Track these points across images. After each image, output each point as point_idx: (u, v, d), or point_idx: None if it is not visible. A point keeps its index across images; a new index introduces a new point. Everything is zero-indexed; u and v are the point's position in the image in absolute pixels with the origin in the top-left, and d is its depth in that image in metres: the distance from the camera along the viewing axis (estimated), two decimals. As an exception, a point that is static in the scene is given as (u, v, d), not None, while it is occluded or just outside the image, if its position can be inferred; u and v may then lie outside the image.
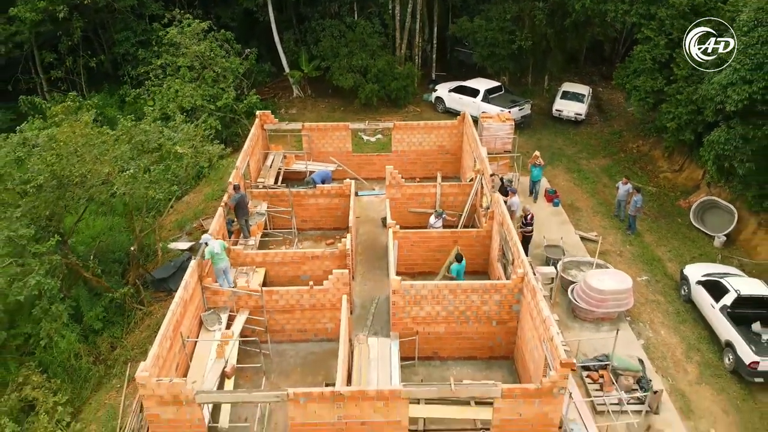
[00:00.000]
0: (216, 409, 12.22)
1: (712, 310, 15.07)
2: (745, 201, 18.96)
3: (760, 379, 13.66)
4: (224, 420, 11.76)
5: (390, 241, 15.38)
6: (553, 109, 27.69)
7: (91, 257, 16.37)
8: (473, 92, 27.17)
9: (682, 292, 16.58)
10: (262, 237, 17.86)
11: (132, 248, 16.28)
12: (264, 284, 14.91)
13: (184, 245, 18.95)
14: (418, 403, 11.66)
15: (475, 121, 22.00)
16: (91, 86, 29.58)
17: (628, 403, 12.73)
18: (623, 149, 25.40)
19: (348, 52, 28.59)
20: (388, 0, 30.38)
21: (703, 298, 15.50)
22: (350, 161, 22.11)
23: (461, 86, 27.89)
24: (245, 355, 13.89)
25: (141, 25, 29.08)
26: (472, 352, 14.05)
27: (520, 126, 25.80)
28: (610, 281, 15.04)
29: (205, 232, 17.55)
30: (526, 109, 26.99)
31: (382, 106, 29.09)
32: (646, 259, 18.27)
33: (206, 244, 13.73)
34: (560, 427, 11.36)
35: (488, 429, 11.10)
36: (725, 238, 18.84)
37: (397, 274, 14.28)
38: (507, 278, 14.03)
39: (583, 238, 19.00)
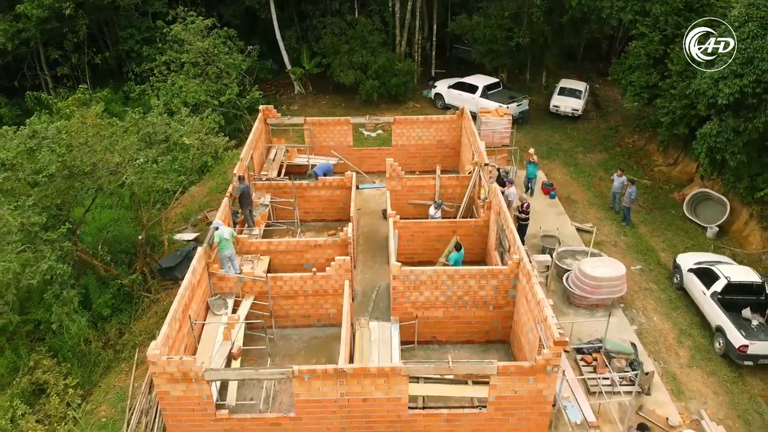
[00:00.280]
0: (223, 389, 12.67)
1: (703, 296, 15.52)
2: (737, 193, 19.40)
3: (750, 363, 14.09)
4: (231, 398, 12.20)
5: (390, 230, 15.83)
6: (551, 105, 28.15)
7: (99, 246, 16.80)
8: (472, 88, 27.62)
9: (675, 280, 17.03)
10: (265, 227, 18.32)
11: (140, 237, 16.72)
12: (268, 271, 15.35)
13: (189, 236, 19.40)
14: (418, 381, 12.14)
15: (474, 116, 22.46)
16: (95, 83, 30.03)
17: (620, 384, 13.17)
18: (619, 144, 25.86)
19: (349, 49, 29.05)
20: (387, -2, 30.91)
21: (694, 285, 15.95)
22: (351, 155, 22.56)
23: (460, 83, 28.34)
24: (250, 340, 14.33)
25: (145, 22, 29.56)
26: (469, 336, 14.50)
27: (518, 121, 26.25)
28: (604, 268, 15.50)
29: (210, 223, 18.08)
30: (524, 104, 27.46)
31: (383, 103, 29.55)
32: (640, 249, 18.72)
33: (216, 228, 14.17)
34: (554, 405, 11.84)
35: (485, 406, 11.55)
36: (718, 229, 19.30)
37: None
38: (504, 265, 14.47)
39: (578, 229, 19.44)
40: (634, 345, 14.27)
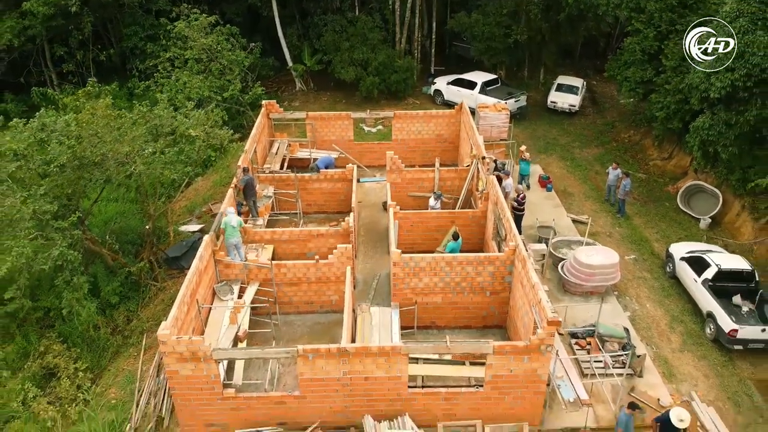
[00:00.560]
0: (229, 371, 13.11)
1: (694, 283, 15.98)
2: (730, 185, 19.86)
3: (739, 347, 14.53)
4: (237, 378, 12.65)
5: (391, 220, 16.29)
6: (548, 101, 28.61)
7: (107, 236, 17.24)
8: (471, 85, 28.07)
9: (668, 269, 17.48)
10: (269, 218, 18.75)
11: (147, 227, 17.16)
12: (272, 260, 15.77)
13: (194, 227, 19.85)
14: (417, 362, 12.60)
15: (473, 112, 22.90)
16: (99, 79, 29.92)
17: (613, 367, 13.62)
18: (615, 139, 26.31)
19: (349, 46, 29.50)
20: (388, -4, 31.36)
21: (686, 273, 16.40)
22: (352, 149, 23.01)
23: (459, 79, 28.80)
24: (255, 325, 14.75)
25: (148, 20, 29.99)
26: (467, 322, 14.96)
27: (516, 117, 26.70)
28: (598, 256, 15.96)
29: (214, 216, 18.55)
30: (522, 100, 27.91)
31: (383, 99, 29.99)
32: (634, 239, 19.18)
33: (226, 214, 14.63)
34: (548, 384, 12.28)
35: (482, 385, 11.99)
36: (710, 221, 19.75)
37: (397, 251, 15.18)
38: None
39: (574, 221, 19.90)
40: (626, 329, 14.73)
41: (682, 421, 11.13)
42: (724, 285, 15.49)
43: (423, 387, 12.34)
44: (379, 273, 17.19)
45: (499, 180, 18.10)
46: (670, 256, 17.40)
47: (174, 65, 25.60)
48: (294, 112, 23.13)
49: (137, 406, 13.29)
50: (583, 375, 13.51)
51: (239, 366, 13.03)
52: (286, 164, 21.48)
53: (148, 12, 30.38)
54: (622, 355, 13.78)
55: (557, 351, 12.23)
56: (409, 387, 11.97)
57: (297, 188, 19.03)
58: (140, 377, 14.20)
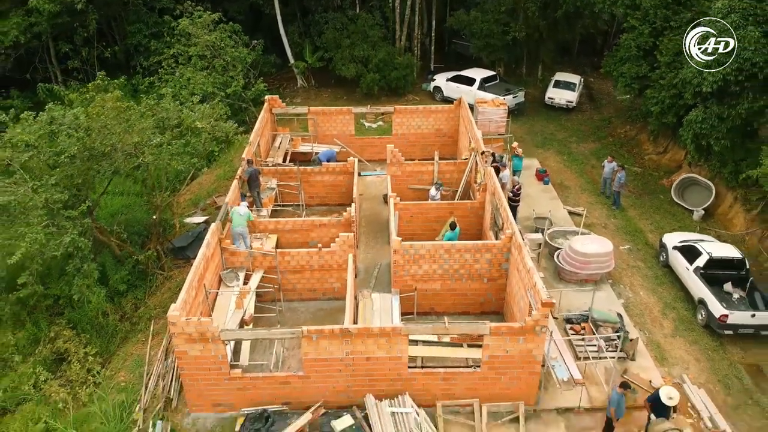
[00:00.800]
0: (235, 354, 13.56)
1: (686, 271, 16.43)
2: (723, 178, 20.32)
3: (730, 332, 14.99)
4: (244, 359, 13.11)
5: (391, 210, 16.75)
6: (546, 97, 29.09)
7: (115, 227, 17.69)
8: (469, 81, 28.54)
9: (661, 258, 17.94)
10: (272, 210, 19.21)
11: (153, 217, 17.60)
12: (276, 248, 16.23)
13: (199, 219, 20.31)
14: (417, 344, 13.05)
15: (472, 108, 23.35)
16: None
17: (606, 350, 14.07)
18: (611, 134, 26.77)
19: (350, 44, 29.96)
20: (388, -7, 31.83)
21: (679, 261, 16.86)
22: (353, 144, 23.46)
23: (458, 76, 29.28)
24: (260, 312, 15.21)
25: (152, 17, 30.44)
26: (465, 308, 15.40)
27: (514, 113, 27.16)
28: (592, 245, 16.42)
29: (218, 208, 19.00)
30: (520, 96, 28.38)
31: (383, 95, 30.43)
32: (628, 230, 19.64)
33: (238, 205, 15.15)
34: (543, 365, 12.73)
35: (479, 366, 12.44)
36: (703, 212, 20.21)
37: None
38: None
39: (570, 213, 20.35)
40: (620, 315, 15.17)
41: (671, 398, 11.58)
42: (715, 273, 15.95)
43: (422, 367, 12.78)
44: (380, 262, 17.63)
45: (497, 171, 18.54)
46: (663, 246, 17.85)
47: (178, 62, 26.06)
48: (296, 107, 23.62)
49: (146, 388, 13.73)
50: (577, 358, 13.95)
51: (245, 348, 13.48)
52: (288, 158, 21.94)
53: (151, 10, 30.83)
54: (615, 340, 14.22)
55: (551, 332, 12.67)
56: (409, 367, 12.42)
57: (300, 180, 19.48)
58: (148, 361, 14.63)
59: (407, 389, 12.46)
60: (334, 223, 16.83)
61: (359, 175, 20.42)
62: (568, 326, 14.91)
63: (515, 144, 22.19)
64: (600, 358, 13.93)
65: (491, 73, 29.34)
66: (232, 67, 26.51)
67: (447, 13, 34.40)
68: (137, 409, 13.17)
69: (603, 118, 28.28)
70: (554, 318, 14.75)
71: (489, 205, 17.11)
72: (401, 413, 11.93)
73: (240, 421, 12.07)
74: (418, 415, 11.99)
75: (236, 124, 18.21)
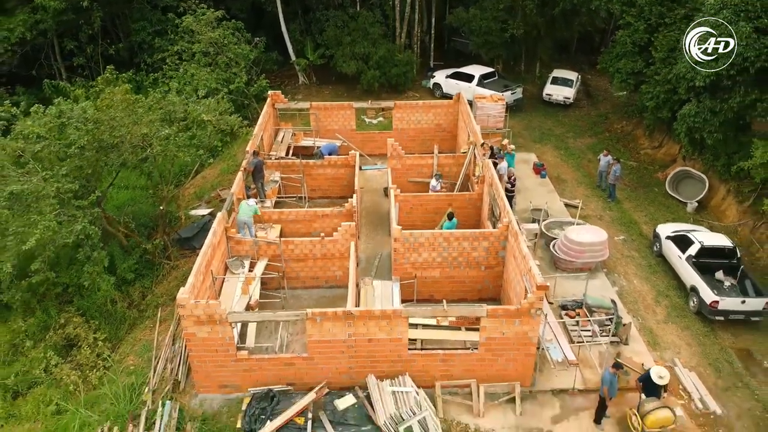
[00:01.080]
0: (242, 338, 14.01)
1: (679, 260, 16.89)
2: (716, 171, 20.77)
3: (721, 318, 15.43)
4: (250, 341, 13.57)
5: (392, 201, 17.22)
6: (544, 94, 29.54)
7: (122, 218, 18.17)
8: (468, 78, 28.98)
9: (655, 248, 18.40)
10: (276, 201, 19.67)
11: (161, 207, 18.05)
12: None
13: (203, 211, 20.76)
14: (416, 328, 13.51)
15: (471, 104, 23.80)
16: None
17: (600, 335, 14.52)
18: (608, 129, 27.23)
19: (351, 41, 30.40)
20: (388, -9, 32.27)
21: (672, 250, 17.32)
22: (354, 138, 23.90)
23: (457, 72, 29.71)
24: (265, 299, 15.63)
25: (156, 15, 30.90)
26: (463, 294, 15.85)
27: (513, 109, 27.60)
28: (587, 234, 16.88)
29: (222, 200, 19.45)
30: (518, 93, 28.83)
31: (383, 92, 30.86)
32: (623, 221, 20.10)
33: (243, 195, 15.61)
34: (538, 348, 13.19)
35: (476, 348, 12.89)
36: (697, 204, 20.67)
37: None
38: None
39: (567, 205, 20.80)
40: (613, 301, 15.62)
41: (661, 378, 12.04)
42: (707, 261, 16.40)
43: (422, 349, 13.23)
44: (381, 252, 18.08)
45: (495, 164, 18.97)
46: (656, 236, 18.31)
47: (182, 58, 26.51)
48: (298, 102, 24.05)
49: (154, 372, 14.18)
50: (571, 341, 14.39)
51: (251, 331, 13.95)
52: (290, 152, 22.38)
53: (155, 7, 31.29)
54: (608, 324, 14.67)
55: (546, 315, 13.12)
56: (408, 349, 12.87)
57: (302, 173, 19.93)
58: (156, 346, 15.07)
59: (407, 370, 12.91)
60: (336, 213, 17.27)
61: (360, 169, 20.87)
62: (563, 312, 15.35)
63: (505, 141, 22.61)
64: (594, 342, 14.38)
65: (490, 70, 29.78)
66: (235, 64, 26.96)
67: (446, 10, 34.87)
68: (146, 390, 13.61)
69: (600, 114, 28.75)
70: (549, 303, 15.20)
71: (487, 197, 17.56)
72: (402, 392, 12.38)
73: (246, 400, 12.51)
74: (417, 394, 12.43)
75: (241, 117, 18.65)
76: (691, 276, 16.25)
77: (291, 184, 20.37)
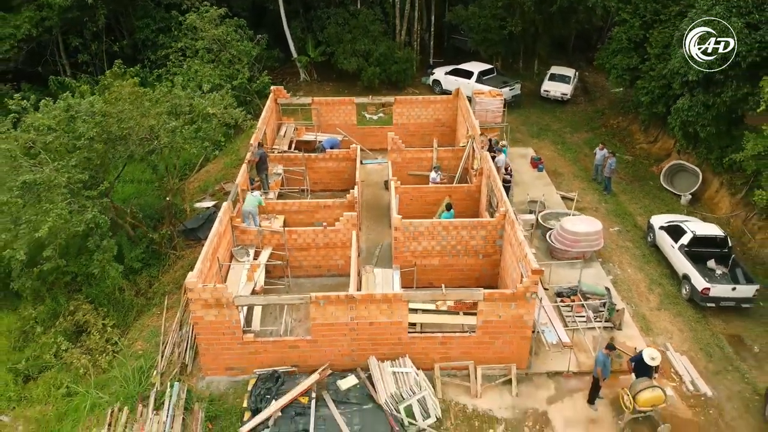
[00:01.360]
0: (247, 323, 14.45)
1: (672, 249, 17.34)
2: (709, 164, 21.23)
3: (712, 304, 15.87)
4: (255, 325, 14.02)
5: (392, 192, 17.67)
6: (541, 90, 30.02)
7: (129, 209, 18.61)
8: (468, 74, 29.46)
9: (649, 238, 18.85)
10: (278, 194, 20.11)
11: (167, 198, 18.49)
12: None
13: (208, 204, 21.21)
14: (416, 313, 13.97)
15: (470, 100, 24.22)
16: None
17: (594, 320, 14.97)
18: (604, 125, 27.69)
19: (351, 38, 30.87)
20: (388, -11, 32.75)
21: (665, 240, 17.77)
22: (355, 133, 24.36)
23: (457, 69, 30.21)
24: (269, 287, 16.08)
25: (159, 12, 31.34)
26: (461, 282, 16.28)
27: (511, 105, 28.06)
28: (582, 224, 17.34)
29: (227, 194, 19.90)
30: (517, 89, 29.30)
31: (384, 88, 31.32)
32: (618, 213, 20.56)
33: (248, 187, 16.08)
34: (534, 331, 13.64)
35: (474, 331, 13.34)
36: (691, 197, 21.12)
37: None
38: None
39: (563, 197, 21.26)
40: (607, 288, 16.08)
41: (653, 359, 12.48)
42: (698, 250, 16.84)
43: (422, 332, 13.68)
44: (382, 243, 18.53)
45: (493, 158, 19.42)
46: (650, 227, 18.77)
47: (185, 55, 26.94)
48: (301, 97, 24.48)
49: (162, 355, 14.61)
50: (566, 326, 14.83)
51: (257, 315, 14.40)
52: (293, 146, 22.81)
53: (158, 5, 31.72)
54: (602, 310, 15.13)
55: (541, 299, 13.57)
56: (408, 333, 13.32)
57: (305, 166, 20.38)
58: (164, 332, 15.51)
59: (407, 352, 13.36)
60: (338, 204, 17.71)
61: (361, 163, 21.31)
62: (559, 299, 15.80)
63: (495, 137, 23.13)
64: (588, 327, 14.83)
65: (489, 66, 30.25)
66: (237, 61, 27.40)
67: (446, 8, 35.33)
68: (154, 374, 14.05)
69: (596, 110, 29.21)
70: (545, 290, 15.66)
71: (485, 188, 18.01)
72: (402, 373, 12.83)
73: (252, 381, 12.96)
74: (417, 375, 12.88)
75: (245, 112, 19.10)
76: (683, 264, 16.69)
77: (293, 177, 20.82)
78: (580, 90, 31.26)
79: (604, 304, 15.28)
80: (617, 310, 15.17)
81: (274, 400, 12.25)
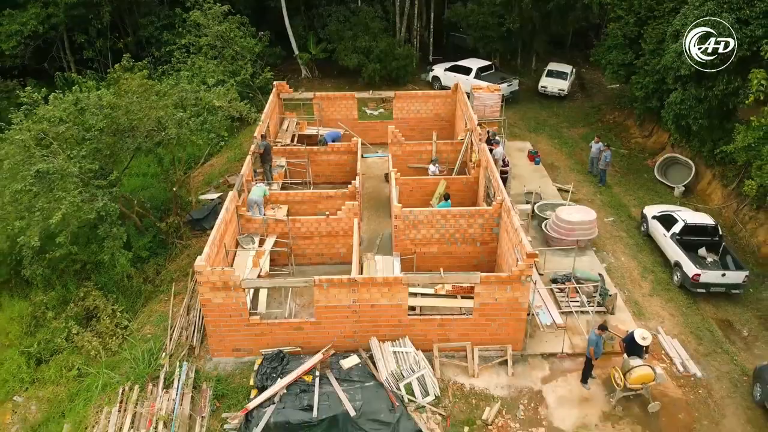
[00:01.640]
0: (253, 307, 14.96)
1: (664, 238, 17.86)
2: (702, 157, 21.75)
3: (702, 290, 16.38)
4: (261, 307, 14.54)
5: (392, 183, 18.18)
6: (539, 86, 30.55)
7: (136, 201, 19.12)
8: (466, 71, 29.98)
9: (642, 228, 19.36)
10: (281, 187, 20.63)
11: (174, 189, 19.01)
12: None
13: (213, 196, 21.75)
14: (416, 296, 14.49)
15: (469, 96, 24.79)
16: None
17: (588, 305, 15.49)
18: (601, 120, 28.21)
19: (352, 35, 31.39)
20: (388, -13, 33.28)
21: (657, 229, 18.29)
22: (356, 128, 24.87)
23: (456, 65, 30.75)
24: (273, 274, 16.60)
25: (163, 10, 31.85)
26: (460, 269, 16.58)
27: (509, 101, 28.58)
28: (577, 214, 17.87)
29: (230, 186, 20.41)
30: (515, 85, 29.83)
31: (384, 85, 31.79)
32: (613, 204, 21.08)
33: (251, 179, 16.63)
34: (529, 314, 14.15)
35: (471, 314, 13.85)
36: (684, 189, 21.63)
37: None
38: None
39: (559, 189, 21.78)
40: (600, 275, 16.60)
41: (644, 339, 13.00)
42: (690, 239, 17.35)
43: (421, 314, 14.20)
44: (382, 233, 19.04)
45: (490, 150, 19.94)
46: (644, 217, 19.28)
47: (189, 51, 27.45)
48: (303, 92, 25.00)
49: (170, 339, 15.13)
50: (561, 312, 15.34)
51: (262, 299, 14.91)
52: (295, 140, 23.33)
53: (162, 3, 32.24)
54: (595, 295, 15.65)
55: (535, 282, 14.08)
56: (408, 315, 13.83)
57: (307, 158, 20.89)
58: (171, 317, 16.02)
59: (407, 334, 13.88)
60: (340, 194, 18.22)
61: (362, 156, 21.81)
62: (554, 285, 16.31)
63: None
64: (582, 311, 15.35)
65: (487, 63, 30.78)
66: (240, 57, 27.91)
67: (445, 6, 35.86)
68: (163, 355, 14.57)
69: (593, 106, 29.73)
70: (540, 275, 16.18)
71: (483, 179, 18.52)
72: (402, 352, 13.35)
73: (258, 361, 13.47)
74: (417, 355, 13.39)
75: (249, 104, 19.61)
76: (675, 252, 17.20)
77: (296, 169, 21.32)
78: (577, 86, 31.78)
79: (596, 288, 15.79)
80: (610, 295, 15.69)
81: (279, 379, 12.75)
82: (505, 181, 19.97)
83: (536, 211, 19.17)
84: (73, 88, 18.04)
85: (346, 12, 32.41)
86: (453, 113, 24.70)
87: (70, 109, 16.99)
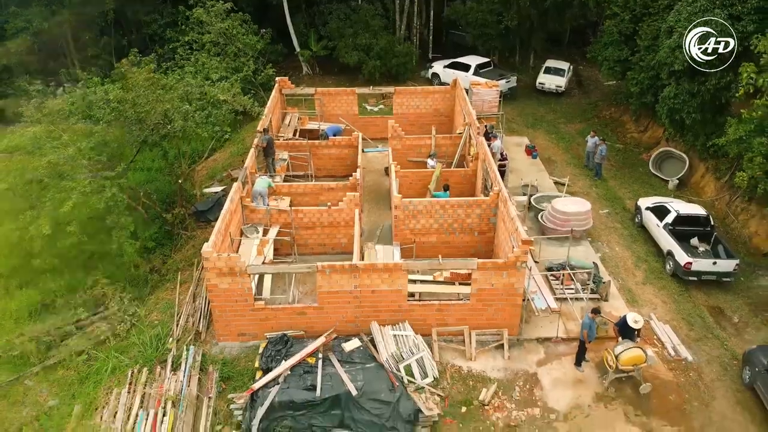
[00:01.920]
0: (258, 293, 15.41)
1: (657, 228, 18.32)
2: (696, 150, 22.22)
3: (694, 278, 16.84)
4: (266, 293, 15.01)
5: (392, 175, 18.65)
6: (537, 83, 31.01)
7: (142, 194, 19.59)
8: (465, 67, 30.45)
9: (636, 220, 19.83)
10: (284, 180, 21.09)
11: (180, 181, 19.48)
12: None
13: (216, 189, 22.20)
14: (415, 283, 14.95)
15: (467, 92, 25.20)
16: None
17: (582, 292, 15.96)
18: (597, 116, 28.69)
19: (353, 33, 31.87)
20: (388, -15, 33.74)
21: (651, 220, 18.76)
22: (356, 123, 25.33)
23: (455, 62, 31.20)
24: (277, 262, 17.07)
25: (167, 8, 32.33)
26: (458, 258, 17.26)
27: (507, 97, 29.04)
28: (572, 205, 18.34)
29: (234, 180, 20.87)
30: (513, 81, 30.30)
31: (384, 82, 32.19)
32: (608, 197, 21.55)
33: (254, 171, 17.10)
34: (524, 300, 14.61)
35: (468, 299, 14.32)
36: (678, 182, 22.10)
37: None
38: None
39: (556, 182, 22.24)
40: (595, 264, 17.06)
41: (636, 322, 13.47)
42: (682, 228, 17.81)
43: (420, 300, 14.66)
44: (382, 224, 19.50)
45: (488, 145, 20.41)
46: (638, 209, 19.75)
47: (192, 48, 27.91)
48: (304, 88, 25.49)
49: (177, 324, 15.59)
50: (556, 299, 15.79)
51: (267, 285, 15.38)
52: (297, 135, 23.79)
53: (165, 1, 32.71)
54: (589, 282, 16.11)
55: (530, 268, 14.54)
56: (408, 300, 14.30)
57: (309, 152, 21.36)
58: (178, 304, 16.48)
59: (407, 318, 14.34)
60: (341, 186, 18.68)
61: (362, 151, 22.27)
62: (549, 273, 16.78)
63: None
64: (576, 298, 15.81)
65: (486, 60, 31.25)
66: (243, 54, 28.38)
67: (444, 4, 36.33)
68: (170, 340, 15.04)
69: (590, 102, 30.20)
70: (535, 262, 16.64)
71: (481, 172, 18.98)
72: (402, 335, 13.82)
73: (263, 344, 13.93)
74: (416, 339, 13.86)
75: (253, 99, 20.08)
76: (667, 242, 17.66)
77: (298, 162, 21.79)
78: (574, 83, 32.25)
79: (590, 275, 16.25)
80: (604, 283, 16.14)
81: (283, 361, 13.21)
82: (502, 173, 20.44)
83: (533, 202, 19.63)
84: (79, 83, 18.51)
85: (346, 10, 32.89)
86: (452, 109, 25.16)
87: (78, 103, 17.47)
